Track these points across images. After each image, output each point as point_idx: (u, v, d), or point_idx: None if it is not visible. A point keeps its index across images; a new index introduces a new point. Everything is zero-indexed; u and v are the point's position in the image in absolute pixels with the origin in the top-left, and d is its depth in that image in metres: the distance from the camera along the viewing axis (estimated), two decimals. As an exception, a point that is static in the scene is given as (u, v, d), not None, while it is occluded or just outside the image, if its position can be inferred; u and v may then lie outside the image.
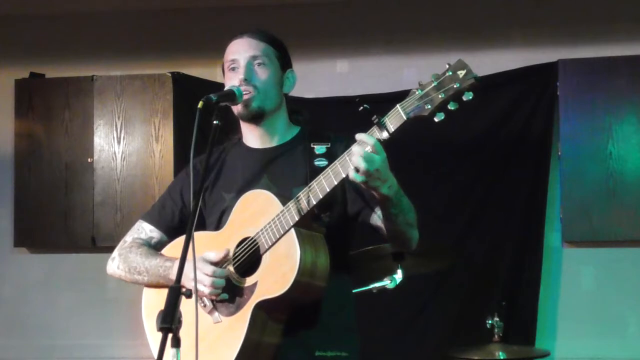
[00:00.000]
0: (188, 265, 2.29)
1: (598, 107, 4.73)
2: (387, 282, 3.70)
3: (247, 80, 2.52)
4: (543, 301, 4.75)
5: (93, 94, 5.15)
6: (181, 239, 2.51)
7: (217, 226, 2.57)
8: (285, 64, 2.67)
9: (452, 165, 4.82)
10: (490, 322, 3.93)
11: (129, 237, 2.70)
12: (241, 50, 2.56)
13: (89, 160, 5.13)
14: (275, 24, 5.07)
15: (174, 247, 2.61)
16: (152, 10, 5.20)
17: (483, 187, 4.84)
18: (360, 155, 2.20)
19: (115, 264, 2.69)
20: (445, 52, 5.03)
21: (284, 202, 2.38)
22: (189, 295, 2.06)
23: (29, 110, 5.24)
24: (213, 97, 2.43)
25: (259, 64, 2.56)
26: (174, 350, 2.01)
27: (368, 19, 5.07)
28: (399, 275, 3.72)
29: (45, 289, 5.27)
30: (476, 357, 3.91)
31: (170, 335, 2.01)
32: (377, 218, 2.46)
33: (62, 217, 5.13)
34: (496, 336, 3.92)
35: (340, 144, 2.46)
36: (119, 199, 5.08)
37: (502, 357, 3.84)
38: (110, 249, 5.50)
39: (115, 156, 5.12)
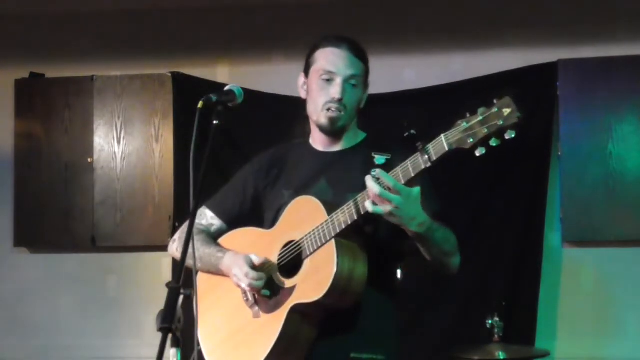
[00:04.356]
0: (237, 259, 2.50)
1: (598, 107, 4.73)
2: (387, 282, 3.69)
3: (341, 100, 2.56)
4: (543, 301, 4.74)
5: (93, 94, 5.15)
6: (237, 231, 2.67)
7: (273, 221, 2.63)
8: (368, 82, 2.70)
9: (452, 166, 4.80)
10: (490, 322, 3.93)
11: None
12: (341, 66, 2.59)
13: (89, 160, 5.13)
14: (276, 24, 5.11)
15: (230, 238, 2.70)
16: (152, 10, 5.20)
17: (483, 187, 4.84)
18: (375, 194, 2.27)
19: (175, 246, 2.77)
20: (445, 52, 5.03)
21: (330, 211, 2.43)
22: (188, 296, 2.07)
23: (29, 110, 5.24)
24: (213, 97, 2.45)
25: (354, 85, 2.61)
26: (174, 350, 2.02)
27: (368, 19, 5.06)
28: (399, 275, 3.72)
29: (45, 289, 5.26)
30: (476, 357, 3.91)
31: (170, 335, 2.01)
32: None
33: (62, 217, 5.13)
34: (496, 336, 3.92)
35: (399, 159, 2.45)
36: (119, 199, 5.08)
37: (502, 357, 3.84)
38: (110, 249, 5.52)
39: (115, 156, 5.12)
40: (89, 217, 5.09)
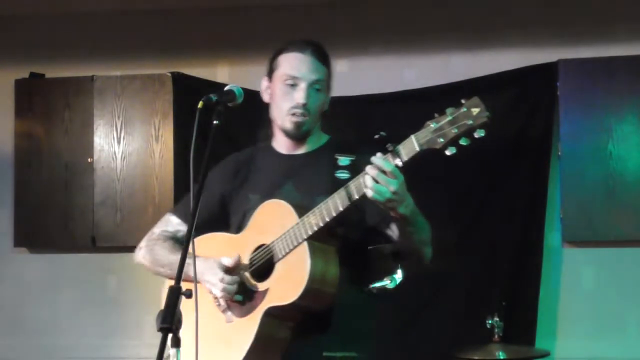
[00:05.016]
0: (207, 265, 2.48)
1: (598, 107, 4.73)
2: (387, 282, 3.69)
3: (305, 105, 2.58)
4: (543, 301, 4.75)
5: (93, 94, 5.15)
6: (205, 237, 2.63)
7: (240, 225, 2.63)
8: (331, 85, 2.71)
9: (452, 166, 4.81)
10: (490, 322, 3.93)
11: (157, 229, 2.76)
12: (304, 71, 2.61)
13: (89, 160, 5.13)
14: (275, 24, 5.10)
15: (197, 244, 2.62)
16: (152, 10, 5.20)
17: (483, 187, 4.84)
18: (376, 181, 2.28)
19: (141, 254, 2.76)
20: (445, 52, 5.03)
21: (300, 214, 2.44)
22: (188, 296, 2.07)
23: (29, 110, 5.24)
24: (213, 97, 2.46)
25: (318, 90, 2.63)
26: (174, 350, 2.02)
27: (368, 19, 5.06)
28: (399, 275, 3.71)
29: (45, 289, 5.26)
30: (476, 357, 3.91)
31: (170, 335, 2.02)
32: (394, 228, 2.54)
33: (62, 217, 5.13)
34: (496, 336, 3.92)
35: (364, 160, 2.46)
36: (119, 199, 5.08)
37: (502, 357, 3.84)
38: (110, 249, 5.53)
39: (115, 156, 5.12)
40: (89, 217, 5.09)
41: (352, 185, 2.37)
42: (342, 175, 2.53)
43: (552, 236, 4.81)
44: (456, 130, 2.25)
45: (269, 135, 2.74)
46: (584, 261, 4.82)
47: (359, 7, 5.05)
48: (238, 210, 2.66)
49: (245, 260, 2.54)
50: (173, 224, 2.74)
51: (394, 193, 2.31)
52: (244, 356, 2.43)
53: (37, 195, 5.17)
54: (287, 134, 2.64)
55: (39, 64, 5.26)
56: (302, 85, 2.59)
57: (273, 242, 2.48)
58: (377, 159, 2.30)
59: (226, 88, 2.55)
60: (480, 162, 4.84)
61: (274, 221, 2.49)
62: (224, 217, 2.70)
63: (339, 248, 2.47)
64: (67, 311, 5.22)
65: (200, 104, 2.41)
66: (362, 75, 5.04)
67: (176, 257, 2.58)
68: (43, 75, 5.25)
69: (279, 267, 2.46)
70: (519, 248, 4.79)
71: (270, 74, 2.69)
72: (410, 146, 2.29)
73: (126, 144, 5.12)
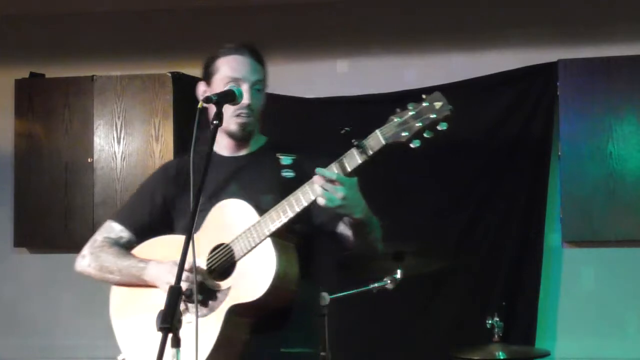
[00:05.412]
0: (164, 267, 2.49)
1: (598, 107, 4.73)
2: (387, 282, 3.70)
3: (250, 105, 2.61)
4: (543, 301, 4.75)
5: (93, 94, 5.14)
6: (153, 241, 2.66)
7: (186, 230, 2.59)
8: (267, 85, 2.74)
9: (452, 166, 4.82)
10: (490, 322, 3.93)
11: (99, 236, 2.77)
12: (245, 72, 2.64)
13: (89, 160, 5.13)
14: (276, 24, 5.11)
15: (146, 248, 2.69)
16: (152, 10, 5.20)
17: (483, 187, 4.84)
18: (323, 190, 2.33)
19: (86, 262, 2.77)
20: (445, 52, 5.04)
21: (260, 212, 2.47)
22: (188, 296, 2.08)
23: (29, 110, 5.24)
24: (213, 97, 2.47)
25: (258, 90, 2.66)
26: (174, 350, 2.02)
27: (368, 19, 5.07)
28: (399, 275, 3.72)
29: (45, 289, 5.26)
30: (476, 357, 3.91)
31: (170, 335, 2.02)
32: (343, 227, 2.57)
33: (62, 217, 5.13)
34: (496, 336, 3.92)
35: (307, 158, 2.57)
36: (119, 199, 5.08)
37: (502, 357, 3.84)
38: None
39: (115, 156, 5.12)
40: (89, 217, 5.09)
41: (308, 187, 2.40)
42: (288, 174, 2.60)
43: (552, 236, 4.81)
44: (420, 124, 2.31)
45: (207, 138, 2.72)
46: (584, 261, 4.82)
47: (359, 7, 5.05)
48: (183, 214, 2.66)
49: (203, 261, 2.53)
50: (115, 230, 2.75)
51: (343, 199, 2.34)
52: (208, 355, 2.43)
53: (37, 195, 5.17)
54: (232, 135, 2.65)
55: (39, 64, 5.26)
56: (245, 87, 2.61)
57: (233, 240, 2.49)
58: (321, 169, 2.35)
59: (226, 88, 2.56)
60: (480, 162, 4.85)
61: (232, 220, 2.50)
62: (167, 222, 2.71)
63: (296, 245, 2.51)
64: (66, 311, 5.22)
65: (200, 104, 2.43)
66: (362, 75, 5.04)
67: (126, 263, 2.65)
68: (43, 75, 5.25)
69: (241, 265, 2.47)
70: (519, 248, 4.79)
71: (207, 78, 2.70)
72: (376, 140, 2.33)
73: (126, 144, 5.12)
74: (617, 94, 4.72)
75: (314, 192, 2.37)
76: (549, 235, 4.79)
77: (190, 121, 2.39)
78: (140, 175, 5.09)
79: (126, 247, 2.72)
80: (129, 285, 2.67)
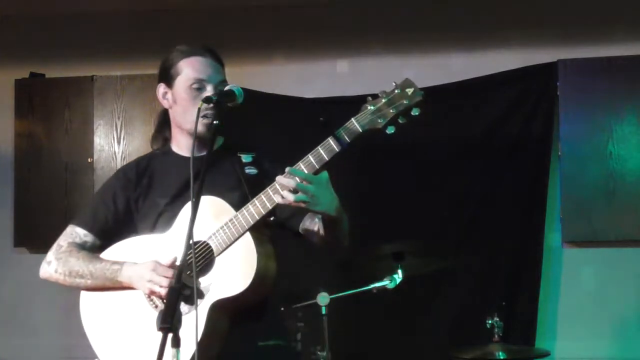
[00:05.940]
0: (144, 267, 2.50)
1: (598, 107, 4.73)
2: (387, 282, 3.71)
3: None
4: (543, 301, 4.75)
5: (93, 94, 5.15)
6: (121, 244, 2.67)
7: (153, 229, 2.66)
8: None
9: (452, 166, 4.82)
10: (490, 322, 3.93)
11: (63, 242, 2.79)
12: (209, 73, 2.68)
13: (89, 160, 5.13)
14: (275, 24, 5.10)
15: (115, 251, 2.70)
16: (152, 10, 5.20)
17: (483, 187, 4.84)
18: (290, 188, 2.35)
19: (52, 268, 2.81)
20: (445, 52, 5.03)
21: (236, 207, 2.48)
22: (189, 296, 2.08)
23: (29, 110, 5.24)
24: (213, 97, 2.48)
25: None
26: (174, 350, 2.02)
27: (368, 19, 5.07)
28: (399, 275, 3.73)
29: (45, 289, 5.25)
30: (476, 357, 3.91)
31: (170, 335, 2.02)
32: (309, 223, 2.60)
33: (62, 217, 5.12)
34: (496, 336, 3.92)
35: (266, 155, 2.65)
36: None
37: (502, 357, 3.84)
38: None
39: (115, 156, 5.12)
40: (89, 217, 5.09)
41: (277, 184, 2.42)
42: (251, 171, 2.63)
43: (552, 236, 4.81)
44: (394, 111, 2.37)
45: (167, 139, 2.76)
46: (584, 261, 4.82)
47: (359, 7, 5.05)
48: (148, 215, 2.67)
49: (179, 258, 2.50)
50: (79, 235, 2.76)
51: (312, 197, 2.35)
52: (193, 352, 2.40)
53: (37, 195, 5.17)
54: (204, 138, 2.62)
55: (39, 64, 5.26)
56: (209, 88, 2.64)
57: (210, 237, 2.50)
58: (291, 169, 2.37)
59: (226, 88, 2.56)
60: (480, 162, 4.85)
61: (206, 217, 2.50)
62: (130, 225, 2.72)
63: (270, 238, 2.54)
64: (66, 311, 5.21)
65: (200, 104, 2.44)
66: (362, 75, 5.04)
67: (99, 266, 2.65)
68: (43, 75, 5.25)
69: (220, 261, 2.48)
70: (519, 248, 4.79)
71: (168, 80, 2.72)
72: (353, 128, 2.38)
73: (126, 144, 5.12)
74: (617, 94, 4.72)
75: (281, 193, 2.38)
76: (549, 235, 4.80)
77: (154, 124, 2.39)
78: (140, 175, 5.09)
79: (91, 251, 2.73)
80: (100, 289, 2.68)
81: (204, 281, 2.49)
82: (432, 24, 5.03)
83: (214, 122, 2.44)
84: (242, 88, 2.56)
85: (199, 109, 2.43)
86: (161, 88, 2.74)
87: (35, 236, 5.22)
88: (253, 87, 4.54)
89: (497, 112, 4.87)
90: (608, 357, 4.73)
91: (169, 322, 2.02)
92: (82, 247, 2.74)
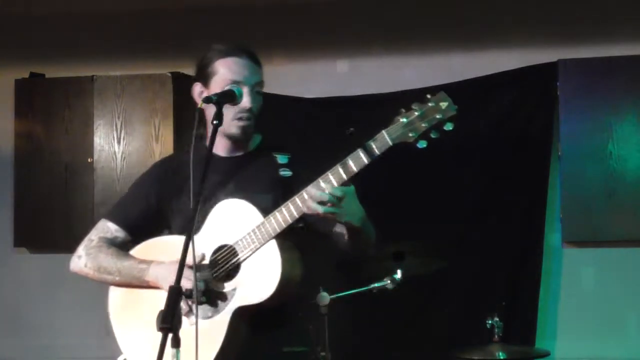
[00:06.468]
0: (167, 268, 2.46)
1: (598, 107, 4.73)
2: (387, 282, 3.70)
3: (251, 109, 2.60)
4: (543, 301, 4.75)
5: (93, 94, 5.14)
6: (151, 242, 2.66)
7: (183, 229, 2.59)
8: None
9: (452, 165, 4.82)
10: (490, 322, 3.93)
11: (94, 236, 2.74)
12: (246, 74, 2.62)
13: (89, 160, 5.13)
14: (275, 24, 5.10)
15: (144, 249, 2.68)
16: (152, 10, 5.20)
17: (483, 187, 4.84)
18: (318, 201, 2.35)
19: (82, 262, 2.74)
20: (445, 52, 5.04)
21: (262, 212, 2.47)
22: (189, 296, 2.08)
23: (29, 110, 5.24)
24: (213, 97, 2.47)
25: (258, 92, 2.65)
26: (174, 350, 2.02)
27: (368, 19, 5.07)
28: (399, 275, 3.72)
29: (45, 289, 5.26)
30: (476, 357, 3.91)
31: (170, 335, 2.02)
32: (340, 226, 2.56)
33: (62, 217, 5.13)
34: (496, 336, 3.92)
35: (303, 157, 2.62)
36: (119, 199, 5.07)
37: (502, 357, 3.84)
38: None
39: (115, 156, 5.12)
40: (89, 217, 5.08)
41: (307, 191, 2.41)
42: (285, 173, 2.60)
43: (552, 236, 4.81)
44: (427, 125, 2.32)
45: (203, 138, 2.71)
46: (584, 261, 4.82)
47: (359, 7, 5.05)
48: (180, 215, 2.65)
49: (206, 261, 2.53)
50: (111, 230, 2.73)
51: (339, 209, 2.36)
52: (215, 357, 2.43)
53: (37, 195, 5.17)
54: (232, 138, 2.64)
55: (39, 64, 5.26)
56: (246, 90, 2.60)
57: (237, 241, 2.49)
58: (317, 184, 2.36)
59: (226, 88, 2.56)
60: (481, 162, 4.85)
61: (234, 221, 2.50)
62: (162, 222, 2.71)
63: (296, 244, 2.52)
64: (66, 311, 5.22)
65: (200, 104, 2.43)
66: (362, 75, 5.04)
67: (126, 263, 2.63)
68: (43, 75, 5.25)
69: (245, 267, 2.47)
70: (519, 248, 4.79)
71: (205, 79, 2.68)
72: (383, 141, 2.33)
73: (126, 144, 5.12)
74: (617, 94, 4.72)
75: (310, 201, 2.37)
76: (549, 235, 4.79)
77: (191, 121, 2.39)
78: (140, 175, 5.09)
79: (121, 247, 2.71)
80: (127, 286, 2.66)
81: (228, 286, 2.48)
82: (432, 24, 5.03)
83: (214, 122, 2.43)
84: (242, 88, 2.55)
85: (199, 108, 2.42)
86: (197, 87, 2.70)
87: (35, 236, 5.22)
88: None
89: (497, 112, 4.87)
90: (608, 357, 4.73)
91: (169, 322, 2.02)
92: (113, 242, 2.71)
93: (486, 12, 4.98)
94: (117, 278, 2.66)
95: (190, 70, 5.14)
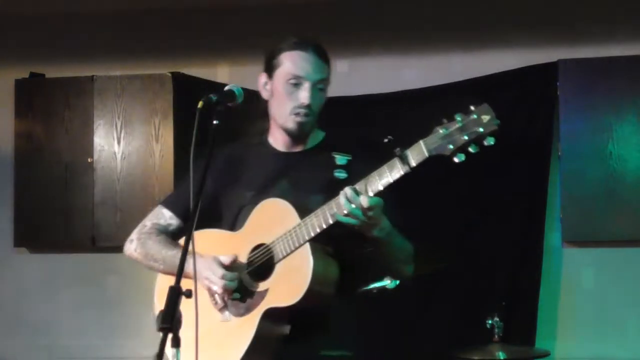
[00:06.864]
0: (203, 263, 2.45)
1: (598, 107, 4.73)
2: (387, 282, 3.70)
3: (310, 105, 2.56)
4: (543, 301, 4.74)
5: (93, 94, 5.15)
6: (202, 233, 2.58)
7: (234, 221, 2.61)
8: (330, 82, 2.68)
9: (452, 165, 4.81)
10: (490, 322, 3.93)
11: (148, 222, 2.74)
12: (309, 70, 2.58)
13: (89, 160, 5.13)
14: (275, 24, 5.10)
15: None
16: (152, 10, 5.20)
17: (483, 187, 4.84)
18: (347, 211, 2.30)
19: (133, 247, 2.72)
20: (445, 52, 5.04)
21: (302, 214, 2.43)
22: (188, 296, 2.07)
23: (29, 110, 5.24)
24: (213, 97, 2.46)
25: (320, 89, 2.61)
26: (174, 350, 2.02)
27: (368, 19, 5.06)
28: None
29: (45, 289, 5.27)
30: (476, 357, 3.91)
31: (170, 335, 2.02)
32: None
33: (62, 217, 5.13)
34: (496, 336, 3.92)
35: (361, 160, 2.49)
36: (119, 199, 5.08)
37: (502, 357, 3.84)
38: (110, 249, 5.53)
39: (115, 156, 5.12)
40: (89, 217, 5.09)
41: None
42: (341, 174, 2.52)
43: (552, 236, 4.81)
44: (466, 138, 2.23)
45: (265, 130, 2.70)
46: (584, 261, 4.82)
47: (359, 7, 5.05)
48: (232, 206, 2.63)
49: (244, 259, 2.53)
50: (165, 217, 2.71)
51: (369, 219, 2.33)
52: (242, 356, 2.43)
53: (37, 195, 5.17)
54: (289, 133, 2.61)
55: (39, 64, 5.27)
56: (307, 85, 2.56)
57: (273, 242, 2.47)
58: (346, 194, 2.30)
59: (226, 88, 2.55)
60: (480, 162, 4.83)
61: (274, 221, 2.48)
62: (216, 212, 2.67)
63: (334, 247, 2.48)
64: (67, 311, 5.22)
65: (200, 104, 2.42)
66: (362, 75, 5.04)
67: (171, 252, 2.62)
68: (43, 75, 5.26)
69: (279, 268, 2.46)
70: (519, 248, 4.78)
71: (269, 70, 2.65)
72: (419, 152, 2.26)
73: (126, 144, 5.12)
74: (617, 94, 4.72)
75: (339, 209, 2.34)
76: (549, 235, 4.79)
77: (191, 121, 2.37)
78: (140, 175, 5.09)
79: (174, 234, 2.69)
80: (173, 275, 2.65)
81: (262, 286, 2.47)
82: (432, 24, 5.03)
83: (214, 122, 2.43)
84: (243, 88, 2.55)
85: (198, 109, 2.41)
86: (262, 77, 2.67)
87: (35, 236, 5.22)
88: (253, 87, 4.53)
89: (497, 112, 4.84)
90: (608, 357, 4.73)
91: (169, 322, 2.02)
92: (165, 229, 2.69)
93: (486, 12, 4.98)
94: (161, 266, 2.64)
95: (190, 70, 5.20)
